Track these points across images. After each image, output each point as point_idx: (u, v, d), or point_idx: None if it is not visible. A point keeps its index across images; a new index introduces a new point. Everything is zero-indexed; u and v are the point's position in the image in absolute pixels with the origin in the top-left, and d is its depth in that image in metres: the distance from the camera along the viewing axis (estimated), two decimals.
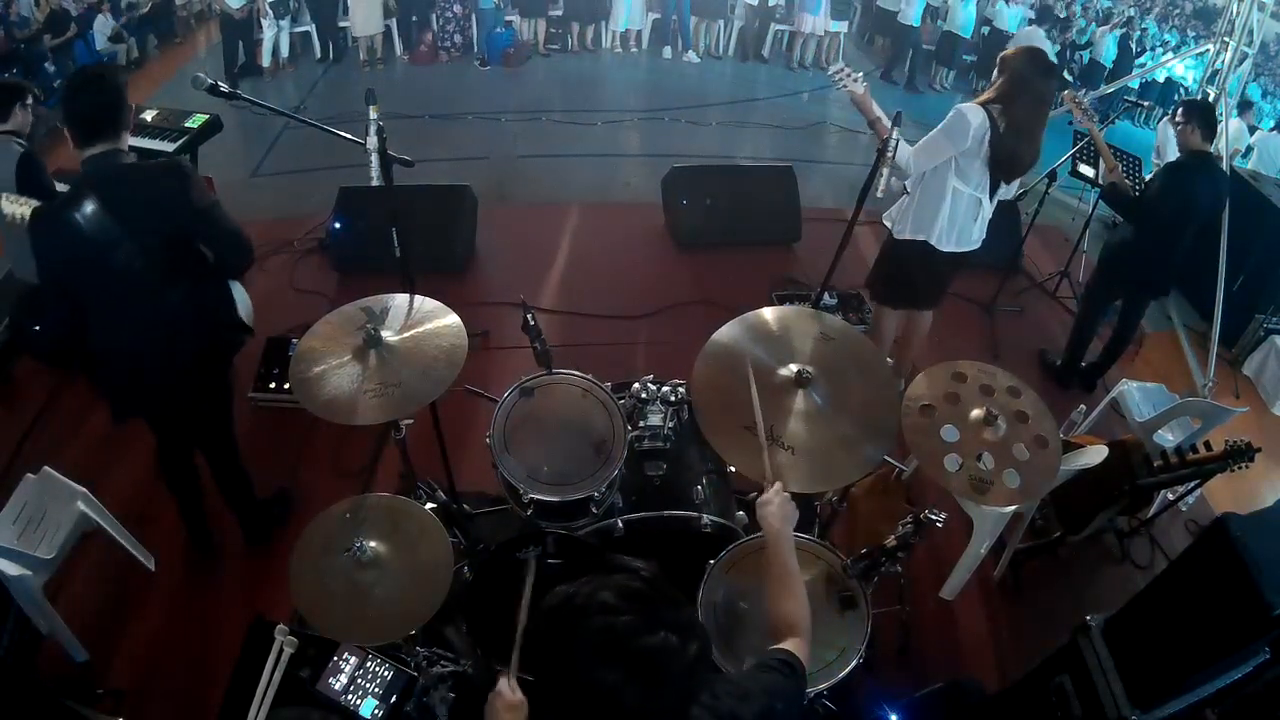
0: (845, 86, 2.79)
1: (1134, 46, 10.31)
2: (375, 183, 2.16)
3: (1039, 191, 4.69)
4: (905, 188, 3.14)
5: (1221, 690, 1.96)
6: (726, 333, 2.09)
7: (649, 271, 4.76)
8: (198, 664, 2.55)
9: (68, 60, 6.80)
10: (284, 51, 7.64)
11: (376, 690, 1.93)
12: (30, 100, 3.01)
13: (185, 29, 8.91)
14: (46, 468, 2.57)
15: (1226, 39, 5.04)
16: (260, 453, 3.09)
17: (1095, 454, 2.75)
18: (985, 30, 9.19)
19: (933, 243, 3.12)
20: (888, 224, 3.27)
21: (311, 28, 7.86)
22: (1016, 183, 3.15)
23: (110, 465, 3.21)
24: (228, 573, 2.87)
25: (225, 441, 2.70)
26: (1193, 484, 3.02)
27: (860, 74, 2.79)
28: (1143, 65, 9.78)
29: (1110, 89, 8.05)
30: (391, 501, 2.02)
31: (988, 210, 3.11)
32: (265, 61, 7.45)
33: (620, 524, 2.17)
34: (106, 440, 3.34)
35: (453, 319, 2.15)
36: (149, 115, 4.31)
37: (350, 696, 1.92)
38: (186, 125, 4.27)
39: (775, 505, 1.61)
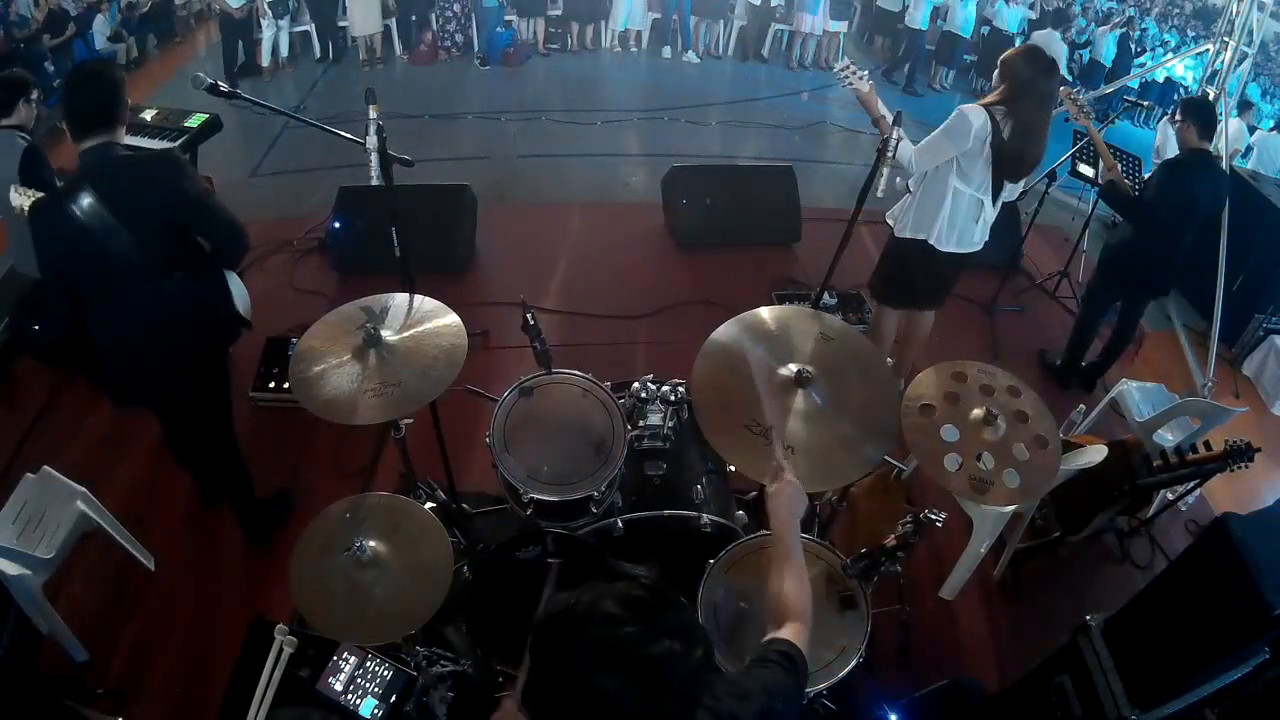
0: (850, 84, 2.79)
1: (1134, 46, 10.32)
2: (375, 182, 2.16)
3: (1039, 191, 4.70)
4: (908, 186, 3.14)
5: (1221, 690, 1.96)
6: (726, 332, 2.09)
7: (649, 271, 4.76)
8: (198, 664, 2.55)
9: (67, 60, 6.79)
10: (284, 51, 7.63)
11: (376, 690, 1.93)
12: (35, 95, 3.01)
13: (185, 29, 8.90)
14: (46, 468, 2.57)
15: (1226, 39, 5.04)
16: (260, 453, 3.09)
17: (1095, 454, 2.75)
18: (985, 30, 9.18)
19: (932, 242, 3.12)
20: (890, 222, 3.28)
21: (311, 27, 7.86)
22: (1020, 184, 3.15)
23: (110, 465, 3.21)
24: (228, 573, 2.87)
25: (224, 435, 2.70)
26: (1192, 484, 3.02)
27: (865, 71, 2.79)
28: (1143, 65, 9.79)
29: (1110, 89, 8.05)
30: (391, 501, 2.02)
31: (990, 212, 3.11)
32: (265, 61, 7.45)
33: (620, 524, 2.16)
34: (106, 440, 3.34)
35: (453, 319, 2.15)
36: (149, 115, 4.31)
37: (350, 696, 1.93)
38: (186, 125, 4.27)
39: (785, 495, 1.59)
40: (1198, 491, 3.29)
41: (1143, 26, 11.35)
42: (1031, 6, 9.72)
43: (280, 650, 1.84)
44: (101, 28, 7.30)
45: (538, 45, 8.64)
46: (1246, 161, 6.31)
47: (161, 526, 2.97)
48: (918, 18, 8.56)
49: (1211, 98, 4.85)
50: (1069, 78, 8.21)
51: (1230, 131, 5.19)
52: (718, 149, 6.74)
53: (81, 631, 2.54)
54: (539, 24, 8.63)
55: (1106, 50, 9.80)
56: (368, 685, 1.94)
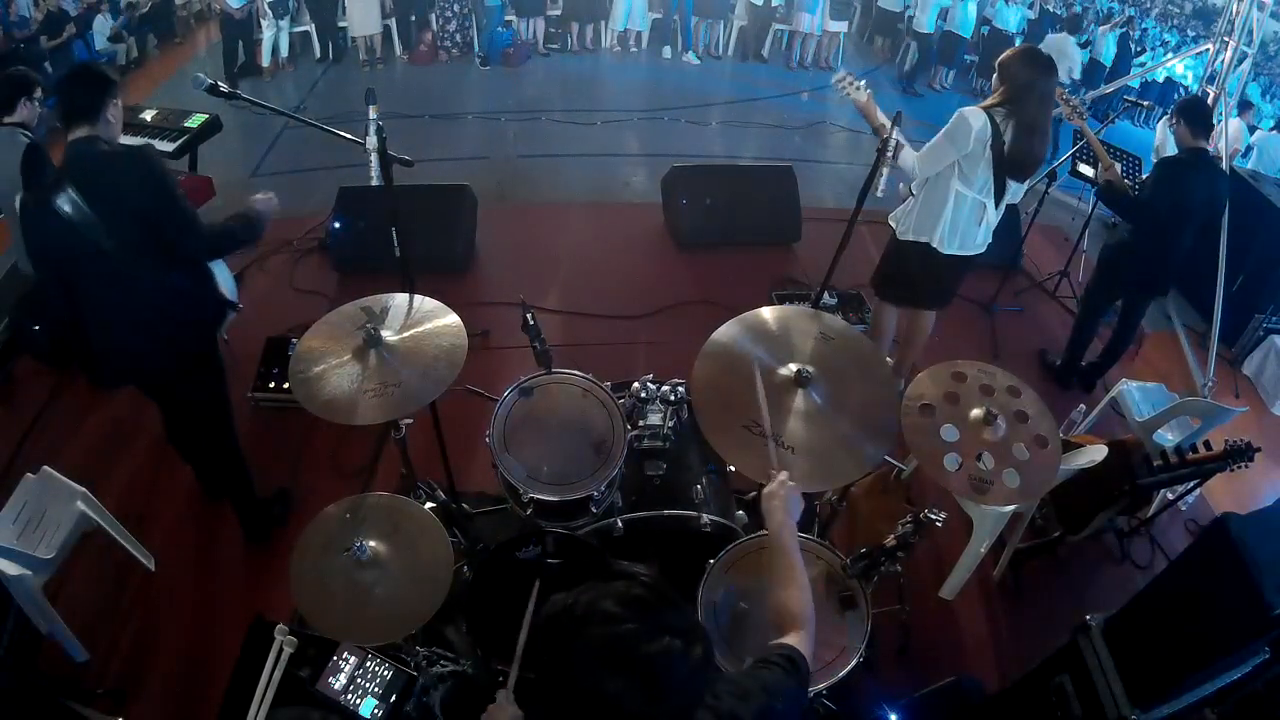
0: (848, 94, 2.79)
1: (1134, 46, 10.31)
2: (375, 182, 2.17)
3: (1039, 191, 4.69)
4: (911, 190, 3.14)
5: (1221, 690, 1.96)
6: (726, 332, 2.09)
7: (649, 271, 4.76)
8: (198, 664, 2.55)
9: (67, 60, 6.79)
10: (283, 51, 7.63)
11: (376, 690, 1.93)
12: (38, 94, 3.02)
13: (185, 29, 8.90)
14: (46, 468, 2.57)
15: (1226, 39, 5.04)
16: (260, 453, 3.10)
17: (1095, 454, 2.75)
18: (985, 30, 9.18)
19: (935, 245, 3.12)
20: (892, 224, 3.28)
21: (311, 28, 7.86)
22: (1024, 186, 3.15)
23: (110, 465, 3.21)
24: (228, 573, 2.87)
25: (223, 429, 2.71)
26: (1193, 484, 3.02)
27: (862, 81, 2.79)
28: (1143, 65, 9.78)
29: (1110, 89, 8.04)
30: (391, 501, 2.02)
31: (993, 214, 3.11)
32: (265, 61, 7.45)
33: (620, 523, 2.16)
34: (106, 440, 3.34)
35: (453, 319, 2.16)
36: (149, 115, 4.31)
37: (350, 696, 1.93)
38: (186, 125, 4.27)
39: (781, 496, 1.59)
40: (1198, 491, 3.29)
41: (1143, 26, 11.35)
42: (1030, 6, 9.71)
43: (280, 650, 1.84)
44: (101, 28, 7.30)
45: (538, 45, 8.63)
46: (1247, 161, 6.31)
47: (161, 526, 2.97)
48: (924, 21, 8.52)
49: (1211, 98, 4.86)
50: (1072, 80, 8.15)
51: (1230, 131, 5.19)
52: (718, 149, 6.74)
53: (81, 631, 2.54)
54: (539, 24, 8.63)
55: (1106, 50, 9.79)
56: (368, 685, 1.94)
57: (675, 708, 1.04)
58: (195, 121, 4.30)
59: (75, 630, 2.51)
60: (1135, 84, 9.48)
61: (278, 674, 1.82)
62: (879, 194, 2.56)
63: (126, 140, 2.42)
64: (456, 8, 8.08)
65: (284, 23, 7.48)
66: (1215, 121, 3.61)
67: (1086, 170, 4.75)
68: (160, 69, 7.85)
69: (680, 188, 5.00)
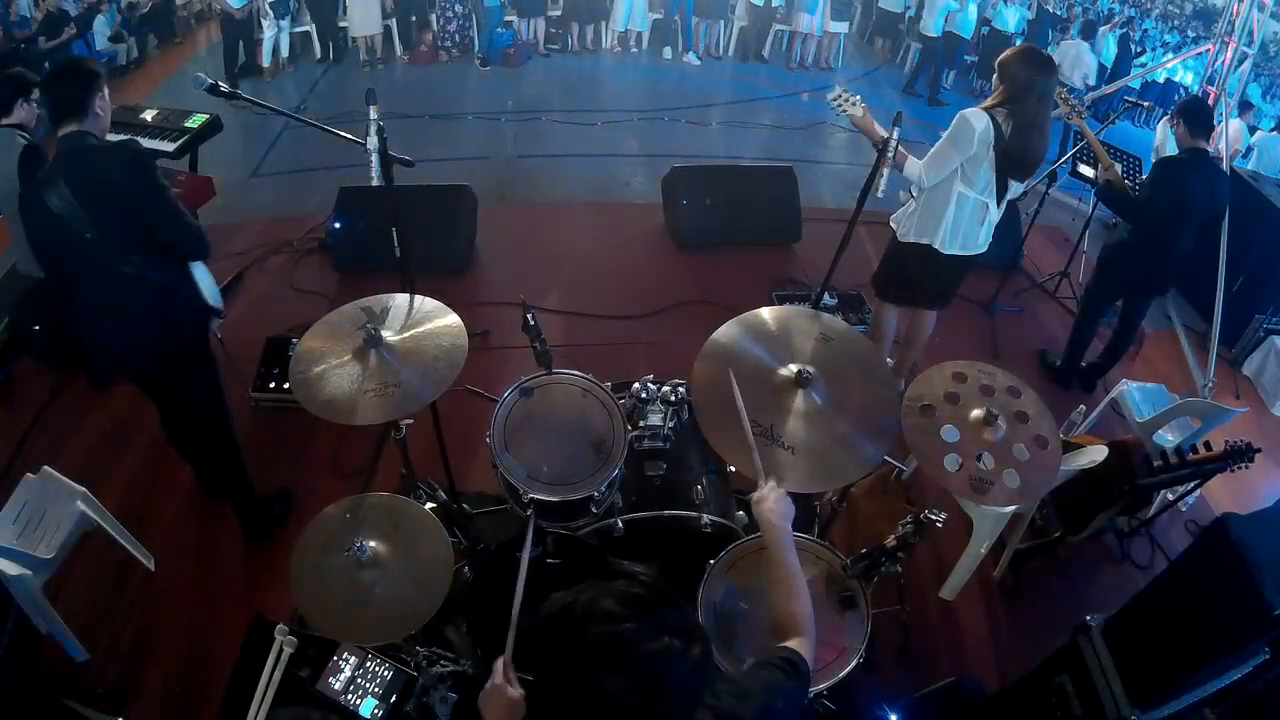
0: (844, 110, 2.79)
1: (1134, 46, 10.32)
2: (375, 183, 2.17)
3: (1039, 191, 4.70)
4: (911, 192, 3.14)
5: (1221, 690, 1.96)
6: (726, 332, 2.09)
7: (649, 271, 4.76)
8: (198, 664, 2.55)
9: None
10: (284, 51, 7.64)
11: (376, 690, 1.93)
12: (35, 95, 3.02)
13: (185, 29, 8.91)
14: (46, 468, 2.57)
15: (1226, 39, 5.04)
16: (260, 453, 3.10)
17: (1095, 454, 2.76)
18: (985, 30, 9.18)
19: (936, 246, 3.12)
20: (893, 226, 3.28)
21: (311, 28, 7.87)
22: (1023, 185, 3.15)
23: (110, 465, 3.21)
24: (228, 573, 2.87)
25: (220, 428, 2.71)
26: (1193, 484, 3.02)
27: (858, 96, 2.78)
28: (1143, 65, 9.79)
29: (1110, 89, 8.04)
30: (391, 501, 2.02)
31: (995, 214, 3.11)
32: (265, 61, 7.45)
33: (620, 524, 2.17)
34: (106, 440, 3.34)
35: (453, 319, 2.16)
36: (149, 115, 4.31)
37: (350, 696, 1.93)
38: (186, 125, 4.27)
39: (770, 502, 1.59)
40: (1198, 492, 3.29)
41: (1143, 27, 11.35)
42: (1029, 7, 9.71)
43: (280, 650, 1.85)
44: (101, 28, 7.31)
45: (538, 46, 8.64)
46: (1247, 162, 6.31)
47: (161, 526, 2.97)
48: (930, 25, 8.47)
49: (1212, 98, 4.86)
50: (1087, 86, 8.12)
51: (1230, 132, 5.19)
52: (718, 149, 6.74)
53: (81, 631, 2.54)
54: (539, 24, 8.63)
55: (1106, 51, 9.79)
56: (368, 685, 1.94)
57: (675, 707, 1.04)
58: (195, 121, 4.30)
59: (75, 630, 2.51)
60: (1135, 84, 9.48)
61: (278, 674, 1.83)
62: (879, 194, 2.56)
63: (122, 137, 2.44)
64: (457, 8, 8.09)
65: (284, 23, 7.49)
66: (1215, 122, 3.60)
67: (1086, 171, 4.75)
68: (160, 69, 7.85)
69: (680, 188, 5.00)
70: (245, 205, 5.12)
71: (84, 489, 2.54)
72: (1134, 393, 3.40)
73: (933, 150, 2.96)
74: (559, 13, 8.62)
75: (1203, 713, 2.02)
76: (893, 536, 1.92)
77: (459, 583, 2.08)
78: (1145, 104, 8.95)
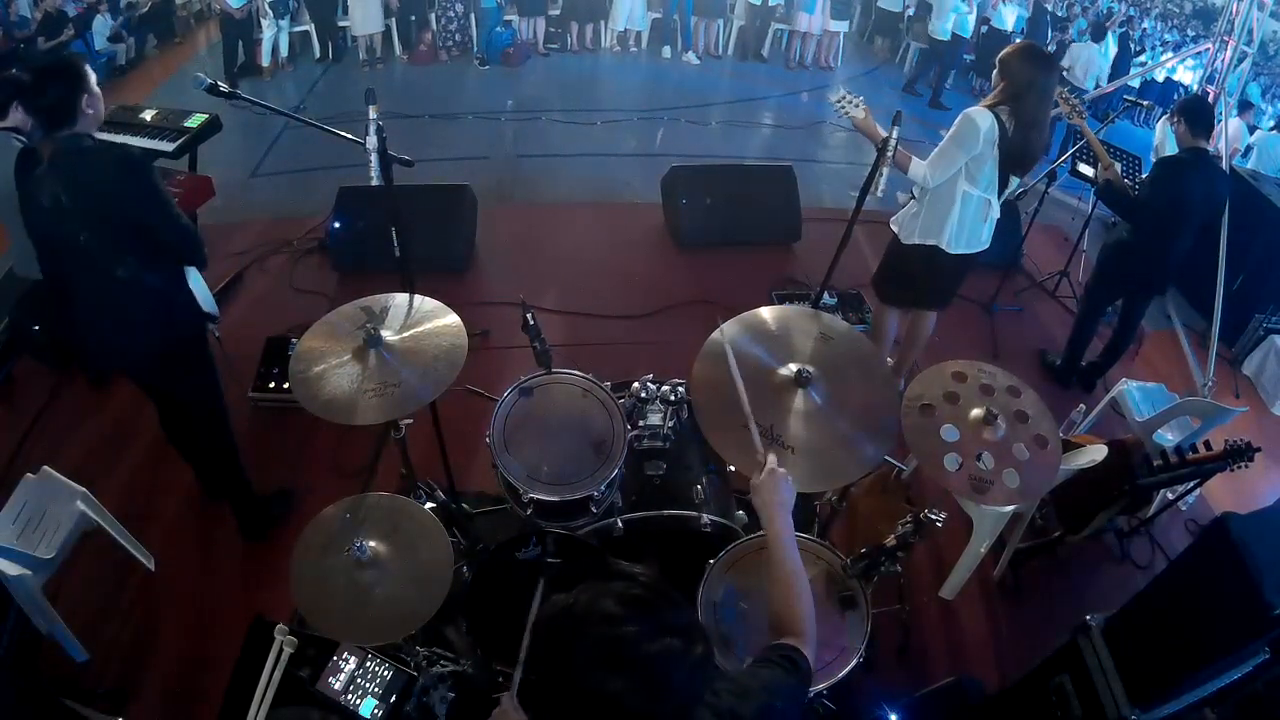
0: (846, 113, 2.78)
1: (1134, 46, 10.31)
2: (375, 182, 2.17)
3: (1039, 191, 4.70)
4: (912, 194, 3.13)
5: (1221, 690, 1.96)
6: (726, 332, 2.09)
7: (649, 271, 4.76)
8: (198, 664, 2.55)
9: None
10: (283, 51, 7.64)
11: (376, 690, 1.93)
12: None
13: (185, 29, 8.90)
14: (46, 468, 2.57)
15: (1226, 39, 5.04)
16: (260, 453, 3.10)
17: (1095, 454, 2.75)
18: (984, 30, 9.18)
19: (943, 246, 3.12)
20: (895, 228, 3.27)
21: (311, 27, 7.86)
22: (1021, 180, 3.15)
23: (110, 465, 3.21)
24: (228, 573, 2.87)
25: (218, 428, 2.71)
26: (1193, 484, 3.02)
27: (860, 98, 2.78)
28: (1143, 65, 9.79)
29: (1110, 88, 8.04)
30: (391, 501, 2.02)
31: (996, 210, 3.11)
32: (265, 61, 7.45)
33: (620, 523, 2.17)
34: (106, 440, 3.34)
35: (453, 319, 2.16)
36: (148, 115, 4.30)
37: (350, 696, 1.92)
38: (186, 125, 4.26)
39: (768, 486, 1.55)
40: (1198, 491, 3.29)
41: (1143, 26, 11.35)
42: (1026, 6, 9.71)
43: (280, 650, 1.84)
44: (101, 28, 7.30)
45: (537, 45, 8.63)
46: (1247, 161, 6.31)
47: (161, 526, 2.97)
48: (939, 29, 8.40)
49: (1211, 97, 4.86)
50: (1098, 87, 8.10)
51: (1230, 131, 5.19)
52: (718, 149, 6.74)
53: (81, 631, 2.54)
54: (539, 24, 8.63)
55: (1106, 50, 9.79)
56: (368, 685, 1.94)
57: (676, 707, 1.04)
58: (195, 121, 4.29)
59: (75, 630, 2.51)
60: (1135, 84, 9.48)
61: (278, 674, 1.82)
62: (878, 194, 2.56)
63: (129, 141, 2.42)
64: (457, 8, 8.08)
65: (284, 22, 7.49)
66: (1215, 121, 3.60)
67: (1086, 170, 4.75)
68: (160, 69, 7.84)
69: (680, 188, 5.00)
70: (245, 205, 5.12)
71: (84, 489, 2.54)
72: (1134, 392, 3.40)
73: (936, 150, 2.96)
74: (559, 12, 8.62)
75: (1203, 712, 2.02)
76: (892, 536, 1.91)
77: (459, 583, 2.07)
78: (1145, 103, 8.95)
